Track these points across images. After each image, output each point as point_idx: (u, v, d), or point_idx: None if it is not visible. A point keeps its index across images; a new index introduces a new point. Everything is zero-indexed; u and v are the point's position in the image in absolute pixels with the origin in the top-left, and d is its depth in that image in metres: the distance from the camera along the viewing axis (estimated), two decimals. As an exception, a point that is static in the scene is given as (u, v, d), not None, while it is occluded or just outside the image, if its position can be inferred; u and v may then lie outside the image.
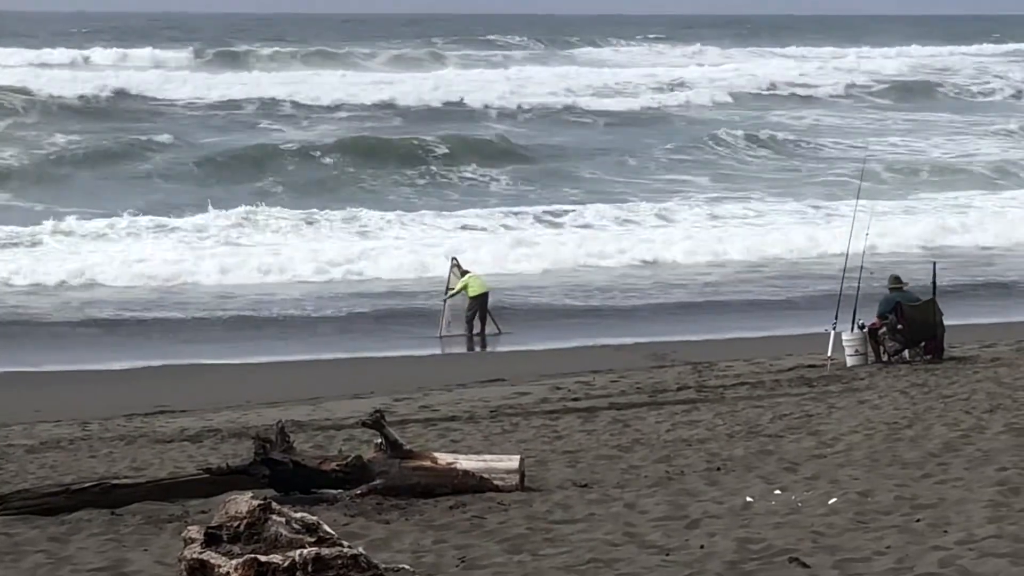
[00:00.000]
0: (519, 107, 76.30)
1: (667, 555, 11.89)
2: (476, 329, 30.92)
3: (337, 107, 74.74)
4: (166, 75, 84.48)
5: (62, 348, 28.91)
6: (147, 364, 27.20)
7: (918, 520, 12.54)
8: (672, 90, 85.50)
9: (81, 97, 74.63)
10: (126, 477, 16.20)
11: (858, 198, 29.16)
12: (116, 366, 27.12)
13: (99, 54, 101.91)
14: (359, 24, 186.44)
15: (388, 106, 75.60)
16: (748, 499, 13.92)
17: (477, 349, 30.13)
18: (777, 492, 14.24)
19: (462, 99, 77.70)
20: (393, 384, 24.55)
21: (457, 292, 31.38)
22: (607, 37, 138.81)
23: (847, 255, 26.00)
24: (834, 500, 13.56)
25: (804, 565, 11.21)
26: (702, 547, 12.04)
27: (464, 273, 31.72)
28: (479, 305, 31.01)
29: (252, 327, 31.51)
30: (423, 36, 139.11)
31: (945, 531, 12.10)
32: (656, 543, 12.36)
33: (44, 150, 58.88)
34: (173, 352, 28.30)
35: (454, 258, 33.08)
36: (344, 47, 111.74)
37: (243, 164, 56.71)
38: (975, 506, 12.93)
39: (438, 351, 29.37)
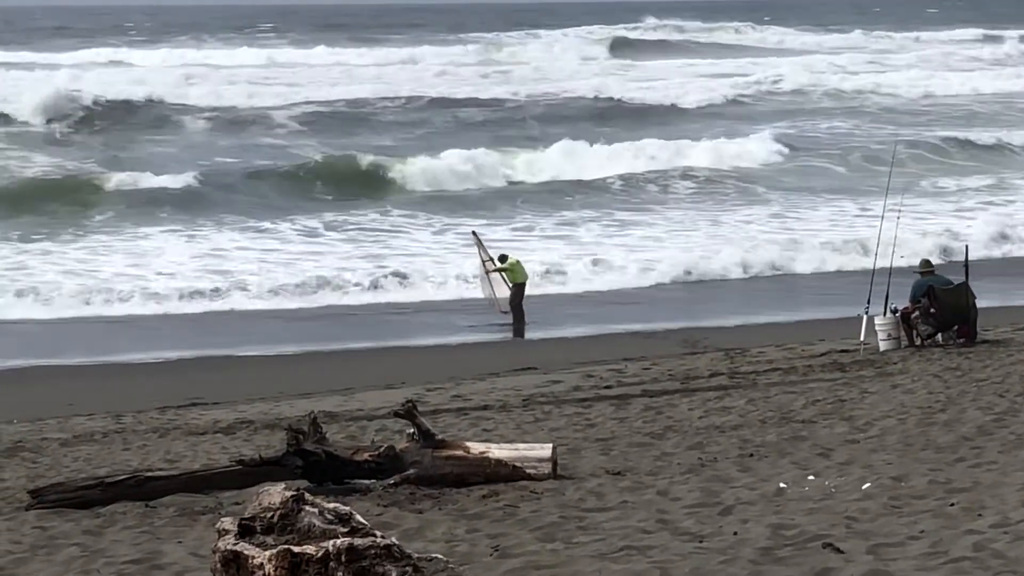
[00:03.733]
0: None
1: (700, 542, 11.87)
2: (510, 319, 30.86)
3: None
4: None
5: (97, 341, 29.03)
6: (180, 356, 27.28)
7: (952, 504, 12.50)
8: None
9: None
10: (160, 469, 16.26)
11: (888, 185, 29.00)
12: (149, 358, 27.21)
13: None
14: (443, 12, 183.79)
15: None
16: (781, 485, 13.90)
17: (510, 337, 30.06)
18: (810, 478, 14.21)
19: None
20: (425, 374, 24.57)
21: (502, 269, 31.29)
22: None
23: (878, 240, 25.90)
24: (868, 485, 13.52)
25: (838, 551, 11.18)
26: (735, 533, 12.02)
27: (503, 257, 31.63)
28: (520, 293, 30.96)
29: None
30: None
31: (979, 515, 12.05)
32: (689, 530, 12.35)
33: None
34: (206, 344, 28.38)
35: (473, 231, 33.29)
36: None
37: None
38: (1009, 489, 12.88)
39: (470, 339, 29.31)
